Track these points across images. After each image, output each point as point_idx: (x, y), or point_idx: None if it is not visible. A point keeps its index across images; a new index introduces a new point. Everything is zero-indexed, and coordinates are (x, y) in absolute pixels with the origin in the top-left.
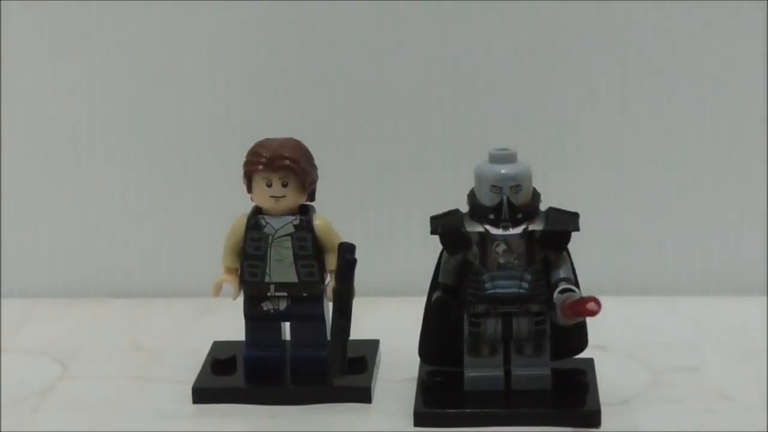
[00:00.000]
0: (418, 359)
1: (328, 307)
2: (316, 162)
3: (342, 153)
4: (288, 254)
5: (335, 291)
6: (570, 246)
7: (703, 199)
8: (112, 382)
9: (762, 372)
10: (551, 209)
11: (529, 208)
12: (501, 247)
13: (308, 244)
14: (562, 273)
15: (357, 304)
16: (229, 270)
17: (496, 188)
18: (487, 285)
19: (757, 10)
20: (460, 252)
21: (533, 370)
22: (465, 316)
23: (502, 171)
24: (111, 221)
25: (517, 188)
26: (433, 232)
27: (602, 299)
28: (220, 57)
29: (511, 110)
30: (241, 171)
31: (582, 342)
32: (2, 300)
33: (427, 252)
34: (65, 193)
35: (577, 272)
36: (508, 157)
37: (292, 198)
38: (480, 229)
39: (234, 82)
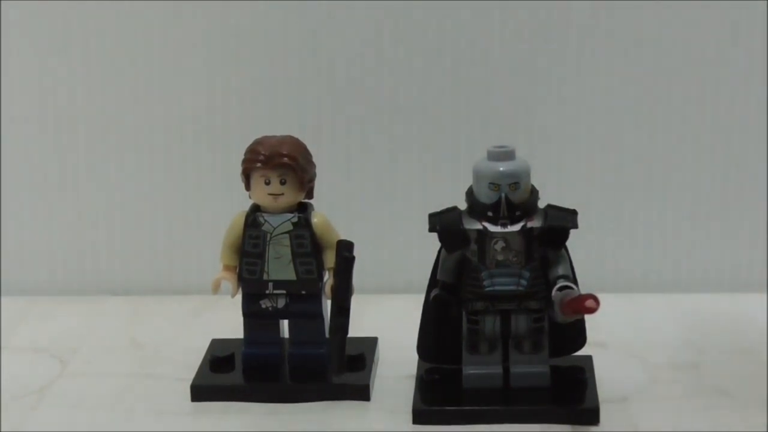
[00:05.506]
0: (416, 357)
1: (327, 305)
2: (315, 159)
3: (340, 151)
4: (286, 252)
5: (334, 288)
6: (568, 243)
7: (702, 195)
8: (111, 379)
9: (761, 369)
10: (550, 206)
11: (527, 206)
12: (499, 245)
13: (307, 241)
14: (561, 270)
15: (355, 301)
16: (227, 267)
17: (494, 185)
18: (486, 282)
19: (757, 10)
20: (458, 249)
21: (532, 367)
22: (464, 313)
23: (501, 168)
24: (110, 219)
25: (515, 185)
26: (431, 230)
27: (601, 296)
28: (219, 55)
29: (509, 107)
30: (239, 169)
31: (581, 339)
32: (2, 297)
33: (425, 249)
34: (64, 191)
35: (576, 269)
36: (507, 155)
37: (291, 196)
38: (478, 226)
39: (232, 80)
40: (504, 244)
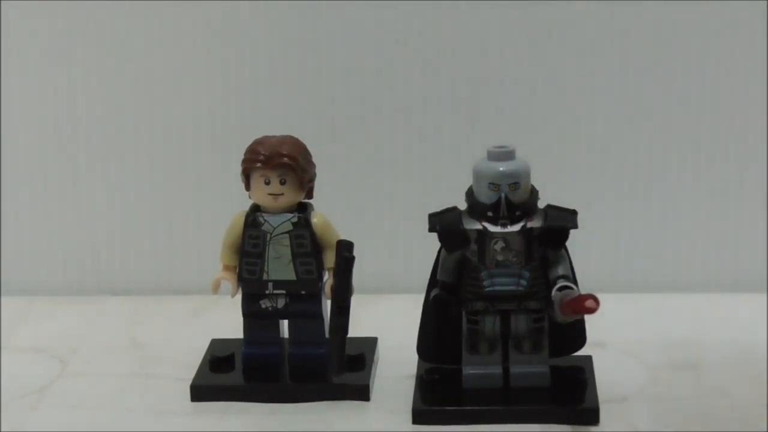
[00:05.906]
0: (416, 357)
1: (327, 305)
2: (314, 159)
3: (340, 151)
4: (286, 252)
5: (334, 288)
6: (568, 243)
7: (702, 195)
8: (111, 379)
9: (762, 370)
10: (549, 206)
11: (527, 206)
12: (499, 245)
13: (306, 241)
14: (561, 270)
15: (355, 301)
16: (227, 267)
17: (494, 185)
18: (486, 282)
19: (757, 10)
20: (458, 249)
21: (531, 367)
22: (463, 313)
23: (501, 168)
24: (110, 219)
25: (515, 185)
26: (431, 230)
27: (601, 296)
28: (218, 55)
29: (509, 107)
30: (239, 169)
31: (581, 339)
32: (2, 297)
33: (425, 249)
34: (64, 191)
35: (576, 269)
36: (507, 155)
37: (291, 196)
38: (478, 226)
39: (232, 80)
40: (504, 244)
